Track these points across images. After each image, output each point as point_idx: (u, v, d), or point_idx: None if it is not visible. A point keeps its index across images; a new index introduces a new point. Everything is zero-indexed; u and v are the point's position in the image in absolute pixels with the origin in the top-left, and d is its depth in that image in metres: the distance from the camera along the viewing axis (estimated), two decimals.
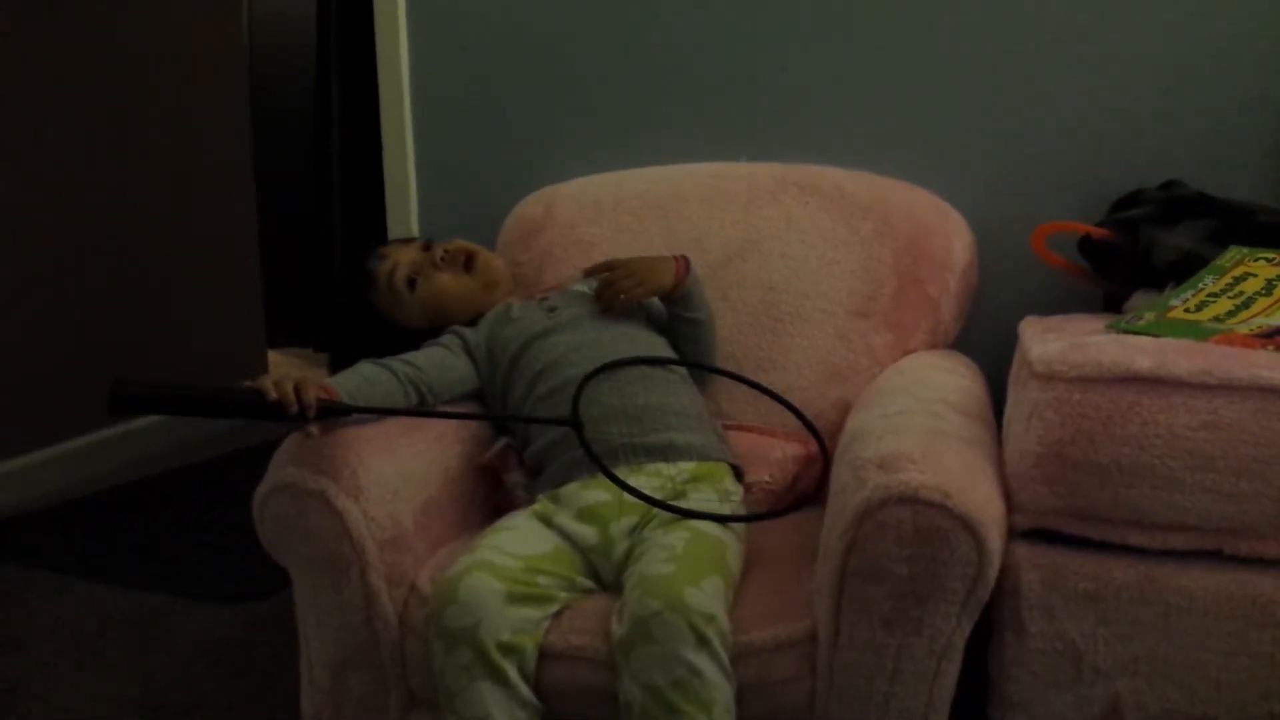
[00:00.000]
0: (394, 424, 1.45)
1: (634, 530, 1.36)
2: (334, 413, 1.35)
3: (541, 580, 1.28)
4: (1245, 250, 1.41)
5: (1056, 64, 1.80)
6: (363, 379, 1.45)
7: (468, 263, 1.69)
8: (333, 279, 4.58)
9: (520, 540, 1.33)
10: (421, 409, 1.50)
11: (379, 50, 2.20)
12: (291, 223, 4.64)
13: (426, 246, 1.71)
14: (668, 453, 1.44)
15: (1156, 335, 1.28)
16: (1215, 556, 1.18)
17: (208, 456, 3.27)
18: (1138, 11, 1.76)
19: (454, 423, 1.54)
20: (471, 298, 1.69)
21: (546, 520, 1.39)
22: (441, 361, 1.57)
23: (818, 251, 1.74)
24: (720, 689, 1.16)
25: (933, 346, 1.71)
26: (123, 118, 3.23)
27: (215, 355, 3.57)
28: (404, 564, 1.35)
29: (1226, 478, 1.13)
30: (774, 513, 1.43)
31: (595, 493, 1.39)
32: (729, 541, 1.34)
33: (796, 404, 1.56)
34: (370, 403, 1.41)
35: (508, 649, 1.22)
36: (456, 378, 1.57)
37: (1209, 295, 1.35)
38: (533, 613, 1.25)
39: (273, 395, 1.28)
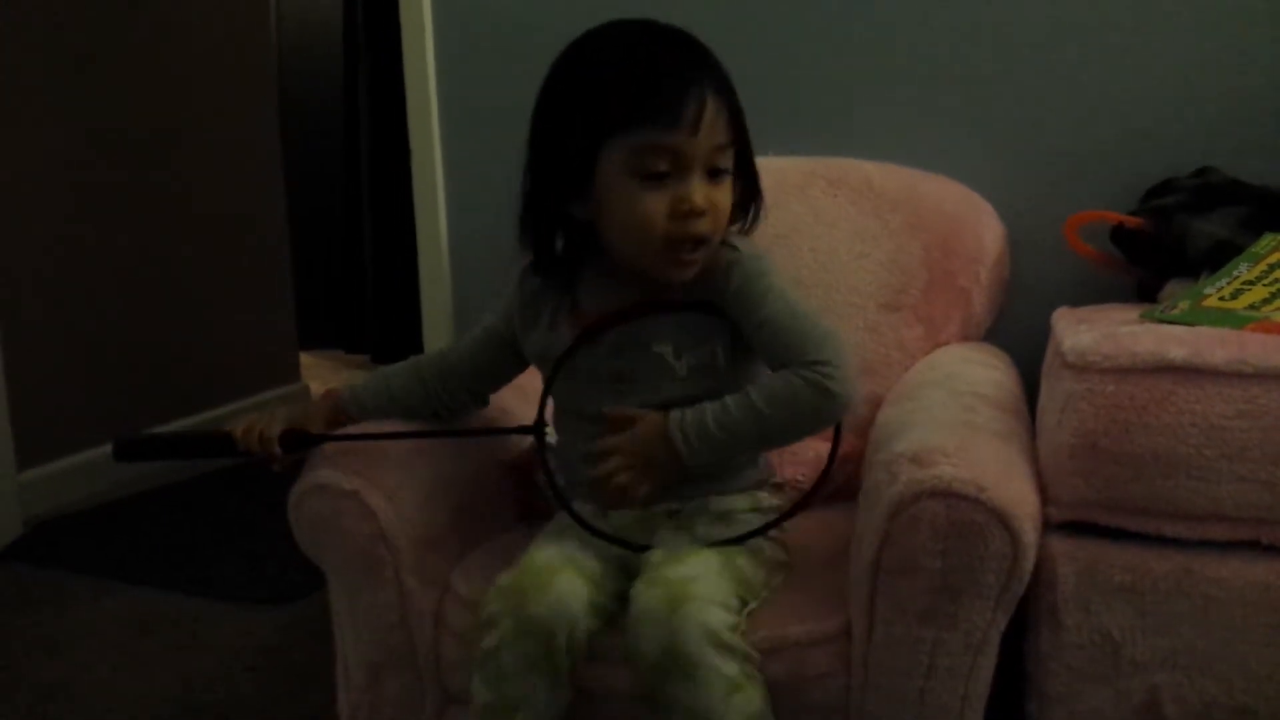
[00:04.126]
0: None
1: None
2: (304, 445, 1.37)
3: (613, 582, 1.26)
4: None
5: (1085, 51, 1.79)
6: (387, 395, 1.43)
7: None
8: (364, 282, 4.61)
9: (595, 545, 1.28)
10: (392, 432, 1.37)
11: (405, 51, 2.21)
12: (323, 227, 4.69)
13: None
14: (682, 487, 1.30)
15: (1191, 324, 1.27)
16: (1253, 547, 1.17)
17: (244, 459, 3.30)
18: None
19: (484, 424, 1.53)
20: None
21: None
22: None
23: (847, 245, 1.73)
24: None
25: (964, 339, 1.70)
26: (154, 121, 3.26)
27: (249, 359, 3.60)
28: (438, 564, 1.36)
29: (1264, 466, 1.12)
30: (762, 528, 1.30)
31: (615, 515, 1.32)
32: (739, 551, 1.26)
33: None
34: (390, 415, 1.42)
35: (575, 651, 1.20)
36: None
37: (1244, 283, 1.34)
38: (600, 621, 1.23)
39: (241, 446, 1.35)
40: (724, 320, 1.26)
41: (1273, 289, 1.30)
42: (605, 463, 1.25)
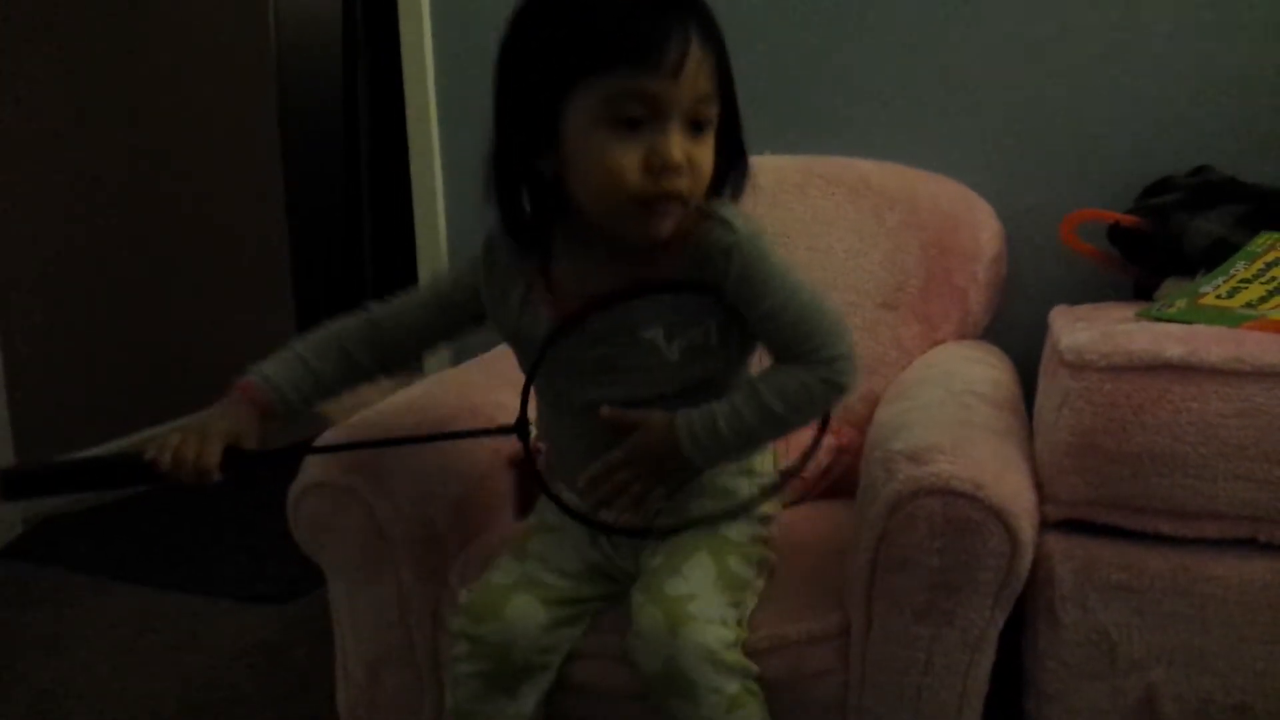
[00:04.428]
0: (421, 421, 1.44)
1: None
2: (245, 461, 1.21)
3: (586, 591, 1.26)
4: (1277, 235, 1.40)
5: (1082, 50, 1.79)
6: (313, 383, 1.28)
7: None
8: (364, 282, 4.61)
9: (568, 550, 1.27)
10: (351, 442, 1.30)
11: (404, 51, 2.21)
12: (322, 228, 4.68)
13: None
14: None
15: (1188, 322, 1.27)
16: (1250, 545, 1.17)
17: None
18: None
19: (481, 421, 1.52)
20: None
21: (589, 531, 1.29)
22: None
23: (844, 244, 1.73)
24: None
25: (962, 337, 1.71)
26: (152, 123, 3.26)
27: (247, 359, 3.59)
28: (436, 560, 1.36)
29: (1260, 465, 1.13)
30: (756, 499, 1.27)
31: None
32: (733, 538, 1.24)
33: None
34: (314, 392, 1.28)
35: (534, 668, 1.22)
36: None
37: (1241, 281, 1.34)
38: (571, 630, 1.24)
39: (164, 467, 1.16)
40: (719, 299, 1.17)
41: (1269, 286, 1.30)
42: (612, 479, 1.18)
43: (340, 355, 1.29)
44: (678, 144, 1.08)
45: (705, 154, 1.12)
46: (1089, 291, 1.71)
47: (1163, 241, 1.54)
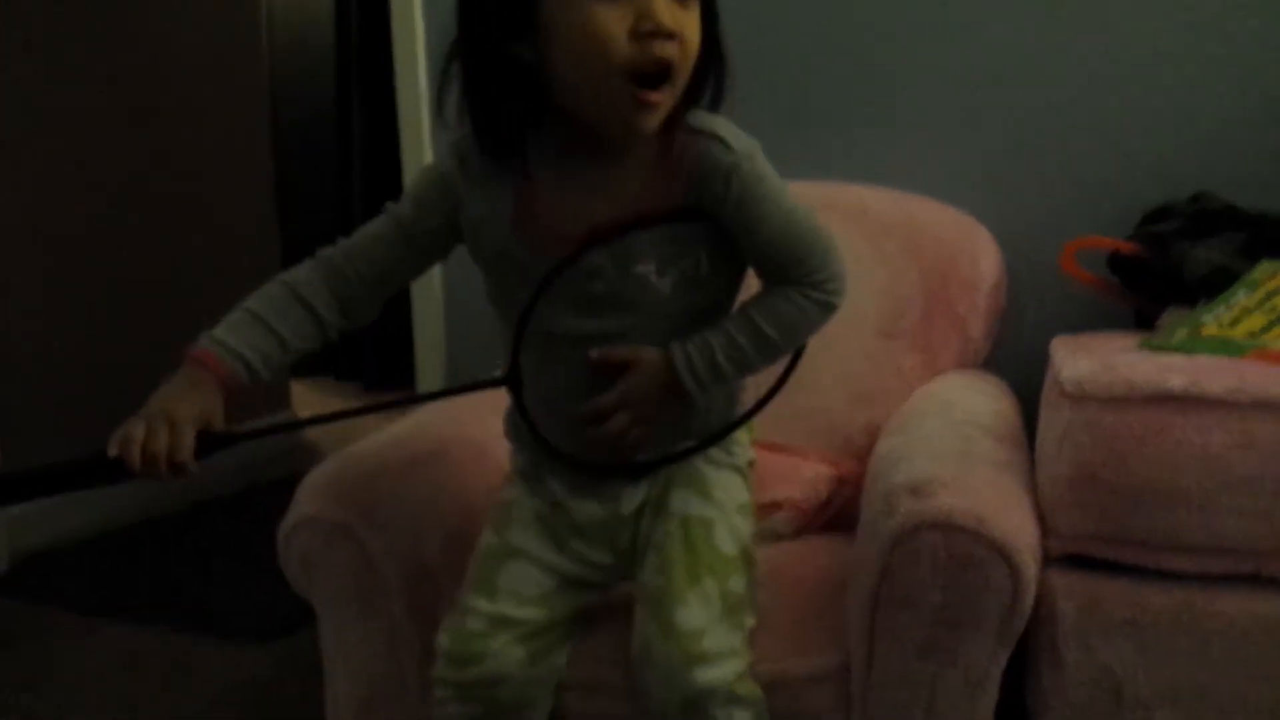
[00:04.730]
0: (412, 453, 1.43)
1: (643, 511, 1.25)
2: (220, 445, 1.10)
3: (560, 611, 1.24)
4: (1278, 264, 1.39)
5: (1081, 78, 1.79)
6: (277, 344, 1.17)
7: None
8: None
9: (539, 576, 1.24)
10: (335, 413, 1.18)
11: (396, 52, 2.25)
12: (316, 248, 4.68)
13: None
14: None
15: (1189, 353, 1.25)
16: (1254, 580, 1.15)
17: (232, 490, 3.27)
18: (1162, 21, 1.74)
19: (472, 451, 1.50)
20: None
21: (554, 533, 1.26)
22: None
23: None
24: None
25: (962, 366, 1.69)
26: (141, 144, 3.25)
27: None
28: (428, 597, 1.34)
29: (1263, 499, 1.11)
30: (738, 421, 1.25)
31: (583, 506, 1.25)
32: (720, 519, 1.21)
33: (825, 427, 1.53)
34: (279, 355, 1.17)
35: (525, 704, 1.21)
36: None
37: (1242, 310, 1.33)
38: (556, 659, 1.23)
39: (135, 466, 1.04)
40: (710, 226, 1.13)
41: (1271, 316, 1.29)
42: (611, 420, 1.14)
43: (301, 310, 1.18)
44: (666, 7, 1.04)
45: (693, 24, 1.07)
46: (1090, 319, 1.70)
47: (1163, 270, 1.53)
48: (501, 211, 1.16)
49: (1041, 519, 1.18)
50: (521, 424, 1.19)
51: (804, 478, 1.55)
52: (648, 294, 1.14)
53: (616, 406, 1.14)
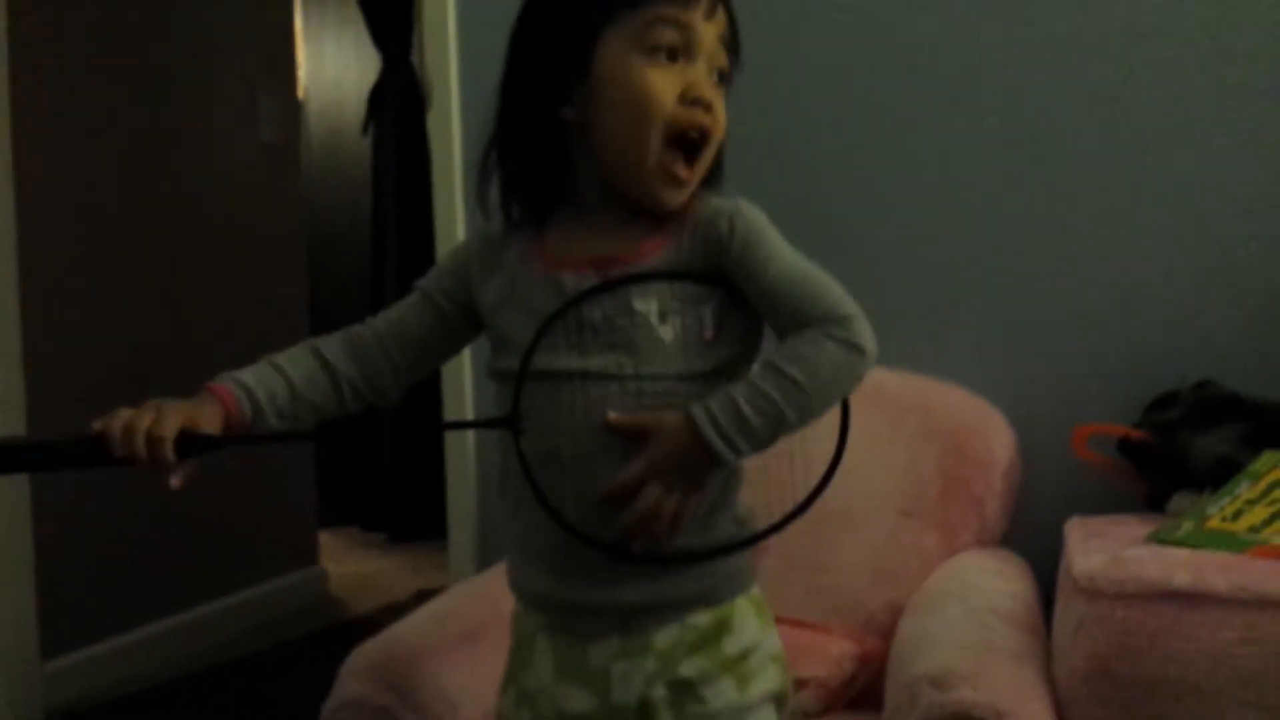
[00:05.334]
0: (450, 635, 1.48)
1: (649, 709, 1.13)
2: (206, 448, 1.09)
3: None
4: (1279, 455, 1.45)
5: (1090, 269, 1.87)
6: (288, 394, 1.16)
7: None
8: (383, 456, 4.66)
9: None
10: (323, 428, 1.20)
11: (435, 178, 2.31)
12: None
13: None
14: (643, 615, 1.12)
15: (1195, 547, 1.31)
16: None
17: (263, 646, 3.30)
18: (1173, 206, 1.82)
19: (507, 632, 1.54)
20: None
21: None
22: None
23: (863, 450, 1.77)
24: None
25: (980, 545, 1.74)
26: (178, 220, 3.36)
27: (269, 541, 3.64)
28: None
29: (1269, 693, 1.15)
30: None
31: (569, 693, 1.15)
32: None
33: (849, 605, 1.56)
34: (285, 396, 1.16)
35: None
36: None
37: (1245, 503, 1.38)
38: None
39: (119, 450, 1.05)
40: (718, 289, 1.11)
41: (1272, 509, 1.35)
42: (641, 495, 1.04)
43: (314, 361, 1.19)
44: (708, 82, 1.11)
45: (722, 105, 1.13)
46: (1104, 498, 1.73)
47: (1169, 457, 1.59)
48: (510, 259, 1.18)
49: (1059, 710, 1.22)
50: (524, 479, 1.09)
51: (829, 655, 1.58)
52: (648, 336, 1.09)
53: (643, 478, 1.05)
